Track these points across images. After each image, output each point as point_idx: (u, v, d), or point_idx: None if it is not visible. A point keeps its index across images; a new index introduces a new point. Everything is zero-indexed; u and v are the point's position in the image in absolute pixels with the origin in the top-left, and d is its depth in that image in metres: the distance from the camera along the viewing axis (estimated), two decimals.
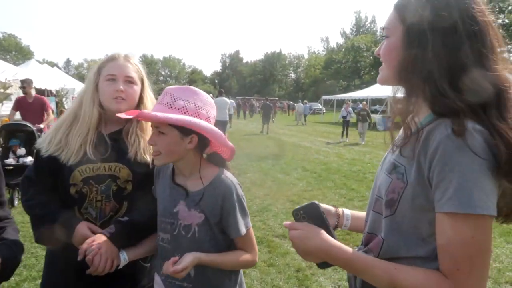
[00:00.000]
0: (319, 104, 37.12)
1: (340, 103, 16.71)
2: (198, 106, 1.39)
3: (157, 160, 1.41)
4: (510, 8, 41.98)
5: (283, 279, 3.59)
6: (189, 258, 1.33)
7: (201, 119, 1.37)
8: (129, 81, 1.59)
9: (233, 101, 23.87)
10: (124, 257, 1.48)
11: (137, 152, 1.59)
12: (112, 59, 1.60)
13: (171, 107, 1.36)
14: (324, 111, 36.72)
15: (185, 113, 1.36)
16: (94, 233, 1.48)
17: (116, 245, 1.46)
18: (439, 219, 0.89)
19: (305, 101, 31.28)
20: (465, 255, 0.86)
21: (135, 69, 1.62)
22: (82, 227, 1.48)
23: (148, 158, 1.59)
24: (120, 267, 1.46)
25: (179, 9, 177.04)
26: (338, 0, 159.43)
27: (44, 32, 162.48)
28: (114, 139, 1.60)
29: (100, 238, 1.45)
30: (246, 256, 1.46)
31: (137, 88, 1.62)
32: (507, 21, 40.48)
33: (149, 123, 1.51)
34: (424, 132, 0.94)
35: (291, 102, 49.20)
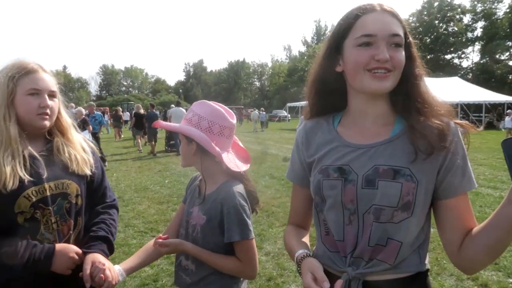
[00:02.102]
0: (284, 111, 37.57)
1: None
2: (201, 118, 1.49)
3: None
4: (458, 17, 44.82)
5: None
6: (175, 240, 1.51)
7: (201, 128, 1.47)
8: (52, 95, 1.48)
9: None
10: (122, 274, 1.48)
11: (77, 165, 1.52)
12: (31, 71, 1.43)
13: (185, 118, 1.55)
14: (290, 118, 37.23)
15: (189, 123, 1.50)
16: (77, 253, 1.43)
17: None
18: (459, 200, 1.03)
19: (262, 108, 31.32)
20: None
21: (55, 82, 1.51)
22: (65, 250, 1.39)
23: (87, 171, 1.56)
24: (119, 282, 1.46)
25: (140, 18, 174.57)
26: (299, 9, 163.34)
27: None
28: (46, 156, 1.47)
29: (97, 258, 1.42)
30: (235, 263, 1.48)
31: (57, 101, 1.52)
32: (456, 29, 43.19)
33: (74, 136, 1.60)
34: (418, 130, 1.04)
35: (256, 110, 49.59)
